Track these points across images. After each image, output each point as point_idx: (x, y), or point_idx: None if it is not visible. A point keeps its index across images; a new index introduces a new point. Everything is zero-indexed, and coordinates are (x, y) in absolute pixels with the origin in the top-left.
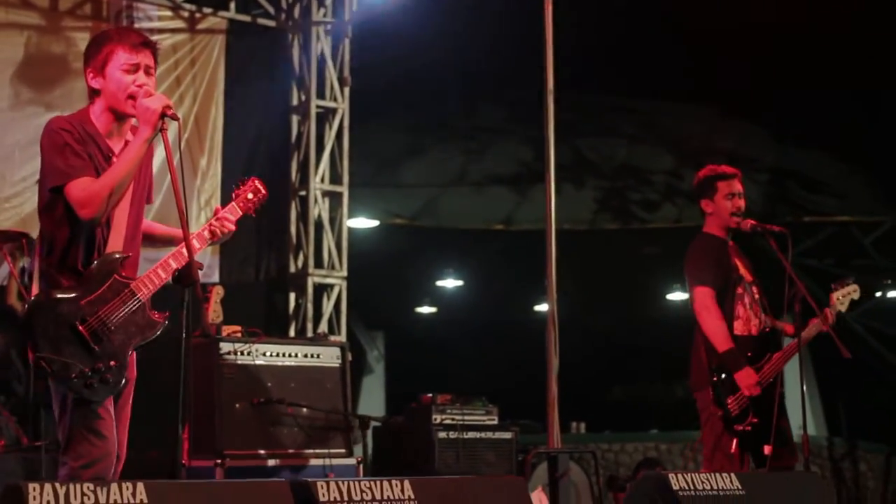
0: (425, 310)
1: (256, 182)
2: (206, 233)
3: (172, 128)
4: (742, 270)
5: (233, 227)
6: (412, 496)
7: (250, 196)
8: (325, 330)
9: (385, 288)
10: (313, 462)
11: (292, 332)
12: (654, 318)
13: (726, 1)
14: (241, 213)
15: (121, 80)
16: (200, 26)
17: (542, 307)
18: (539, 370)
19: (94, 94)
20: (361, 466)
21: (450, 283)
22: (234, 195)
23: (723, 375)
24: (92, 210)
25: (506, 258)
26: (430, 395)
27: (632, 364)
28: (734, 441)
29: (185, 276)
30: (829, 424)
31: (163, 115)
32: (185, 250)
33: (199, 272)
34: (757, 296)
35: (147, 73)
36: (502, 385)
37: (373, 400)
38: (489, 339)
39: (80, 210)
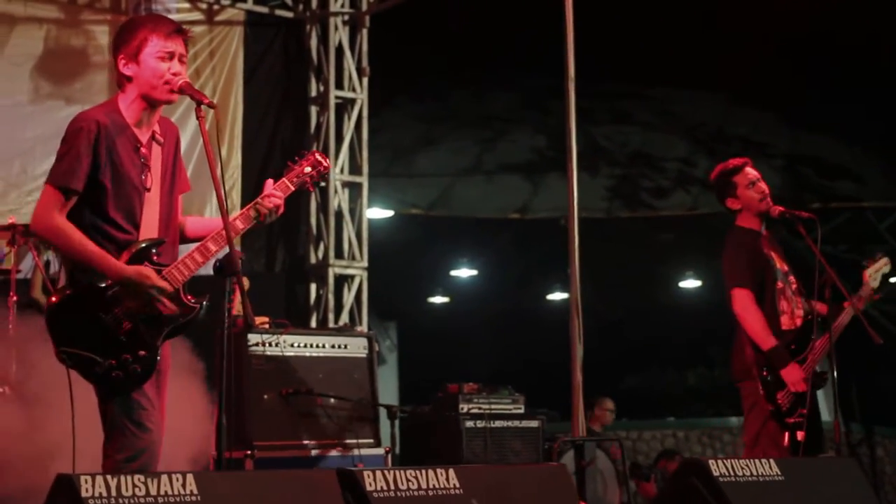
0: (438, 300)
1: (317, 155)
2: (251, 212)
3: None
4: (778, 262)
5: (278, 202)
6: (457, 485)
7: (308, 170)
8: (347, 320)
9: (398, 278)
10: (342, 452)
11: (313, 323)
12: (667, 306)
13: None
14: (293, 188)
15: (156, 68)
16: (218, 18)
17: (555, 296)
18: (553, 359)
19: (125, 81)
20: (389, 456)
21: (464, 272)
22: (286, 171)
23: (771, 370)
24: (39, 225)
25: (519, 247)
26: (457, 384)
27: (644, 352)
28: (786, 434)
29: (227, 265)
30: (843, 410)
31: (200, 105)
32: (225, 233)
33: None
34: (795, 286)
35: (181, 61)
36: (516, 374)
37: (386, 390)
38: (502, 329)
39: (38, 211)
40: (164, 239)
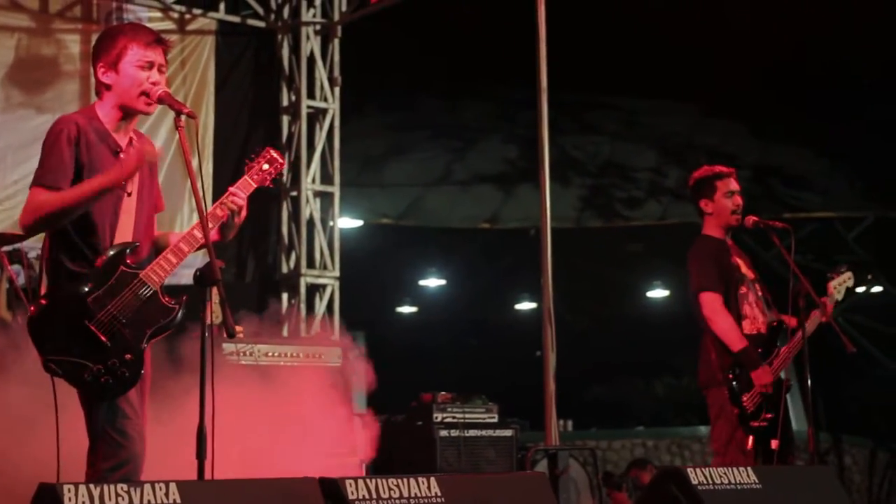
0: (406, 309)
1: (272, 152)
2: (217, 211)
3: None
4: (744, 269)
5: (241, 202)
6: (438, 493)
7: (266, 167)
8: (319, 330)
9: (366, 287)
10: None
11: (285, 333)
12: (634, 316)
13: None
14: (254, 185)
15: (135, 77)
16: (190, 27)
17: (523, 305)
18: (521, 368)
19: (104, 89)
20: (363, 465)
21: (432, 282)
22: (246, 168)
23: (737, 373)
24: (27, 219)
25: (487, 257)
26: (431, 393)
27: (611, 361)
28: (750, 438)
29: (207, 275)
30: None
31: (179, 115)
32: (196, 232)
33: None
34: (760, 293)
35: (160, 71)
36: (484, 384)
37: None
38: (470, 338)
39: (23, 214)
40: (137, 242)
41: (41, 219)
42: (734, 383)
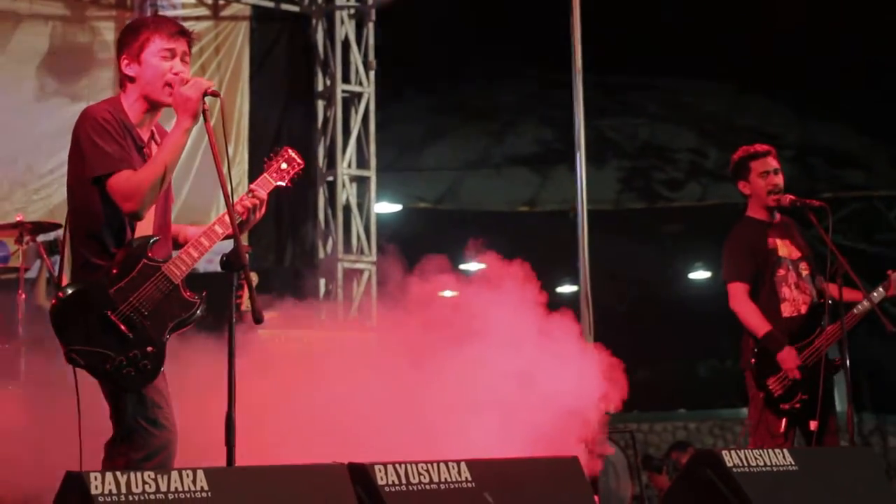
0: (447, 293)
1: (290, 151)
2: (238, 207)
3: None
4: (785, 250)
5: (262, 198)
6: (469, 478)
7: (284, 166)
8: (356, 315)
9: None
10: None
11: (322, 318)
12: (676, 298)
13: None
14: (273, 184)
15: (157, 67)
16: (224, 13)
17: (565, 289)
18: None
19: (127, 81)
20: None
21: (472, 266)
22: (265, 167)
23: (761, 357)
24: (135, 203)
25: (527, 240)
26: None
27: (654, 344)
28: (783, 420)
29: (234, 260)
30: (854, 399)
31: (204, 96)
32: (217, 227)
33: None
34: (807, 272)
35: (183, 60)
36: None
37: None
38: None
39: (123, 203)
40: (158, 236)
41: (147, 193)
42: (756, 367)
